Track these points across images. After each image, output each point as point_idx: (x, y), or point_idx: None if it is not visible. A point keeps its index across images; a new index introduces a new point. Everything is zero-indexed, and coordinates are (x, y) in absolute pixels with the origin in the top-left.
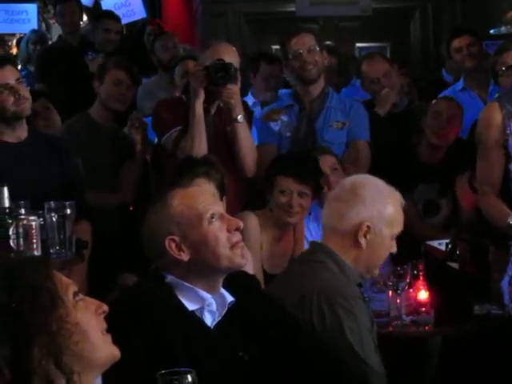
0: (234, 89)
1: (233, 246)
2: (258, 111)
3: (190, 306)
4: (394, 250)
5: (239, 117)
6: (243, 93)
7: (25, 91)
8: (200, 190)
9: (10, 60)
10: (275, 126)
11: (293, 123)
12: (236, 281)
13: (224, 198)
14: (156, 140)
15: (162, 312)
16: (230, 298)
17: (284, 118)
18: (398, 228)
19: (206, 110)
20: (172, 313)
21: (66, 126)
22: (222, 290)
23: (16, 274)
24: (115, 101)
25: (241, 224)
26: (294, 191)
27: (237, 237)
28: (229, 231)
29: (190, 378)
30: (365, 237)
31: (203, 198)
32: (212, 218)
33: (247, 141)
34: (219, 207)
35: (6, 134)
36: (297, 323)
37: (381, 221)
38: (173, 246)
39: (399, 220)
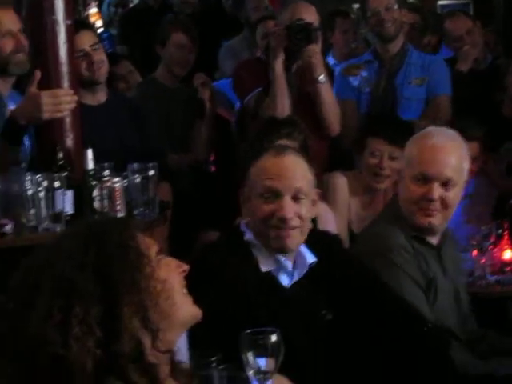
0: (315, 48)
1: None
2: (337, 70)
3: (265, 266)
4: (415, 194)
5: (321, 77)
6: (323, 53)
7: (100, 56)
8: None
9: (86, 25)
10: (354, 81)
11: (372, 79)
12: (319, 240)
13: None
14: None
15: (238, 272)
16: (311, 259)
17: (364, 73)
18: (415, 170)
19: (287, 70)
20: (248, 273)
21: (136, 90)
22: (303, 250)
23: (101, 235)
24: (178, 65)
25: None
26: (385, 153)
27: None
28: None
29: (274, 338)
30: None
31: None
32: None
33: (330, 100)
34: None
35: (85, 97)
36: (379, 280)
37: (404, 161)
38: None
39: (419, 162)
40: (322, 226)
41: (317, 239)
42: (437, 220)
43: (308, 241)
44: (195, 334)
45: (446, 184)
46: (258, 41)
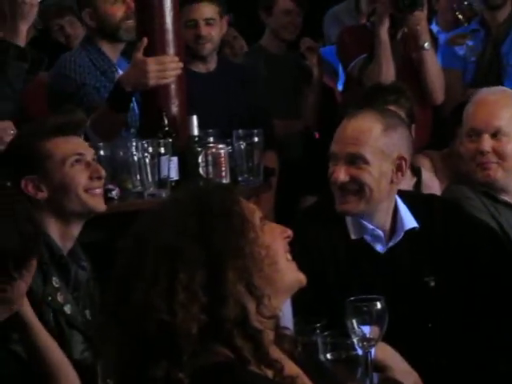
0: (421, 15)
1: None
2: (442, 38)
3: (354, 233)
4: (470, 150)
5: (426, 44)
6: (427, 20)
7: (208, 32)
8: None
9: None
10: (460, 50)
11: (478, 48)
12: (421, 205)
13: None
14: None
15: (329, 240)
16: (410, 224)
17: (470, 42)
18: (467, 126)
19: (392, 37)
20: (338, 241)
21: (243, 58)
22: (403, 215)
23: (205, 200)
24: (285, 31)
25: None
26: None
27: None
28: None
29: (379, 305)
30: None
31: None
32: None
33: (434, 68)
34: None
35: (194, 64)
36: (482, 247)
37: None
38: None
39: (469, 118)
40: None
41: (418, 204)
42: (495, 173)
43: (412, 205)
44: (299, 300)
45: (495, 135)
46: (363, 7)
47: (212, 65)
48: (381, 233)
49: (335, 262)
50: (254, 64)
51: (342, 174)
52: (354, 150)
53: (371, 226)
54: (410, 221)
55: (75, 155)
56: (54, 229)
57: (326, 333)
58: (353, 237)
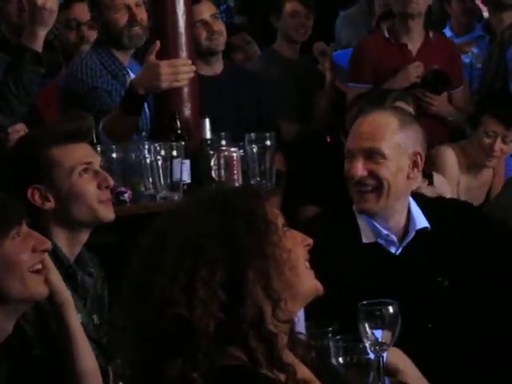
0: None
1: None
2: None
3: (367, 238)
4: None
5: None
6: (440, 25)
7: (219, 26)
8: None
9: None
10: (466, 58)
11: (483, 55)
12: (433, 206)
13: None
14: None
15: (340, 244)
16: (420, 224)
17: (475, 49)
18: None
19: None
20: (350, 245)
21: (254, 62)
22: (415, 214)
23: (231, 200)
24: (295, 32)
25: None
26: (499, 135)
27: None
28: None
29: (391, 309)
30: None
31: None
32: None
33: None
34: None
35: (201, 68)
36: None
37: None
38: None
39: None
40: None
41: (430, 205)
42: None
43: (424, 206)
44: (311, 304)
45: None
46: (377, 9)
47: (219, 68)
48: (394, 238)
49: (349, 265)
50: (265, 68)
51: (359, 169)
52: (372, 144)
53: (385, 232)
54: (421, 220)
55: (83, 164)
56: (61, 238)
57: (338, 337)
58: (365, 241)
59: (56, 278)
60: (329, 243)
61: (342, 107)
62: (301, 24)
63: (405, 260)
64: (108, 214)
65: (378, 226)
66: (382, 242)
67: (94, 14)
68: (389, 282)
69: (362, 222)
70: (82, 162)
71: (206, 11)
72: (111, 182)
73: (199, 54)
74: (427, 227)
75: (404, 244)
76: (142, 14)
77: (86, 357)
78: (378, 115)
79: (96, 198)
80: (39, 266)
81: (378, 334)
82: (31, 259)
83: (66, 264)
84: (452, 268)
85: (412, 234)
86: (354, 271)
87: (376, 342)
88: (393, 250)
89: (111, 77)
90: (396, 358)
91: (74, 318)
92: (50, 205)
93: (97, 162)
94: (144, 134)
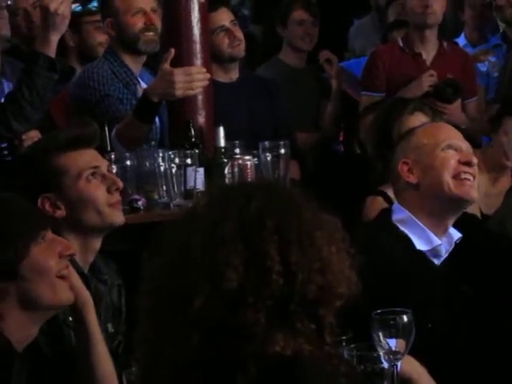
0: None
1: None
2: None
3: (419, 245)
4: None
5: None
6: (454, 33)
7: (239, 33)
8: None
9: (223, 2)
10: (483, 67)
11: (500, 63)
12: (461, 216)
13: None
14: None
15: (389, 249)
16: (456, 235)
17: (492, 58)
18: None
19: None
20: (398, 250)
21: (259, 71)
22: (450, 229)
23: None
24: (301, 41)
25: None
26: None
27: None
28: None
29: (405, 318)
30: None
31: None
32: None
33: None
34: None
35: (217, 75)
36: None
37: None
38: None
39: None
40: None
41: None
42: None
43: None
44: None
45: None
46: (390, 19)
47: (235, 75)
48: (443, 249)
49: (395, 274)
50: (271, 77)
51: (473, 157)
52: (465, 141)
53: (438, 241)
54: (454, 232)
55: (90, 168)
56: (74, 245)
57: (352, 345)
58: (418, 247)
59: (76, 280)
60: (383, 251)
61: (350, 116)
62: (307, 33)
63: (444, 272)
64: (118, 218)
65: (432, 235)
66: (429, 253)
67: (110, 20)
68: (432, 293)
69: (414, 230)
70: (88, 166)
71: (226, 18)
72: (120, 184)
73: (220, 60)
74: (460, 237)
75: (446, 255)
76: (157, 21)
77: (106, 361)
78: (441, 121)
79: (106, 202)
80: (65, 272)
81: (392, 342)
82: (58, 265)
83: (79, 272)
84: (476, 278)
85: (452, 245)
86: (401, 280)
87: (390, 351)
88: (436, 261)
89: (122, 86)
90: (410, 367)
91: (95, 320)
92: (61, 213)
93: (104, 165)
94: (153, 143)
